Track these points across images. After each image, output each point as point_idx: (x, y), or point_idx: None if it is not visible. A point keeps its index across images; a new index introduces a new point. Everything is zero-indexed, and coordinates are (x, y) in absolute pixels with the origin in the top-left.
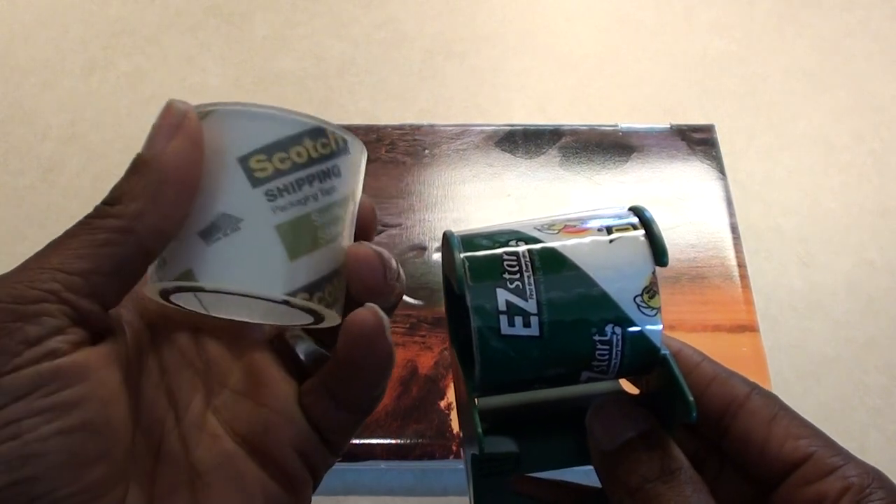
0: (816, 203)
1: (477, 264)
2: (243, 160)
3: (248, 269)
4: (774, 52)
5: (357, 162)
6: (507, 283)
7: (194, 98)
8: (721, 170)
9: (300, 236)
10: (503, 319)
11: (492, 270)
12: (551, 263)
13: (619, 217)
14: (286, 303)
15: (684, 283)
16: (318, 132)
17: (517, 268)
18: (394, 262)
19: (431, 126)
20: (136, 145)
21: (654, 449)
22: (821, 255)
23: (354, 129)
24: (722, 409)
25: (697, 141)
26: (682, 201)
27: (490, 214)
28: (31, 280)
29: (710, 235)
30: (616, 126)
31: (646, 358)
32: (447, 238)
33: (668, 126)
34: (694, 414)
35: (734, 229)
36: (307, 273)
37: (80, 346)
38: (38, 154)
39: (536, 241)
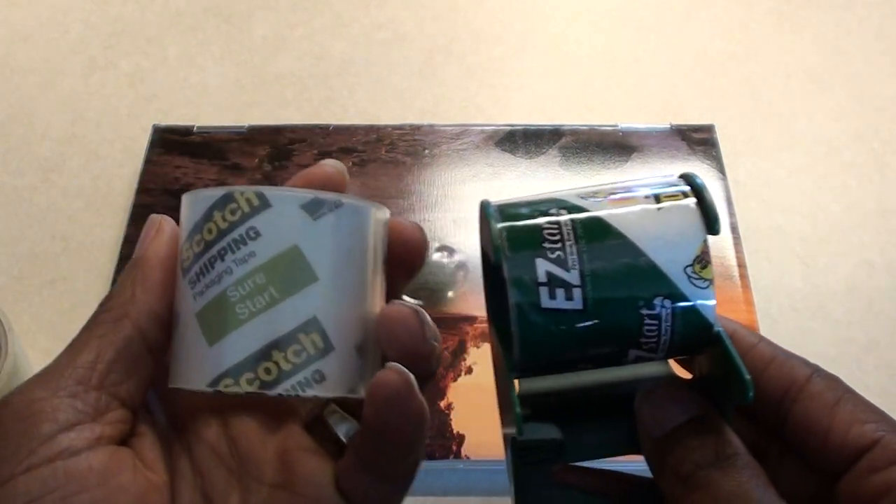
0: (816, 203)
1: (515, 233)
2: (180, 252)
3: (181, 363)
4: (774, 52)
5: (285, 213)
6: (548, 252)
7: (194, 98)
8: (721, 170)
9: (218, 318)
10: (543, 292)
11: (531, 240)
12: (595, 232)
13: (669, 185)
14: (217, 392)
15: None
16: (224, 200)
17: (558, 237)
18: (430, 320)
19: (431, 126)
20: (137, 145)
21: (707, 434)
22: (821, 255)
23: (354, 129)
24: (781, 393)
25: (697, 141)
26: None
27: None
28: (44, 382)
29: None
30: (616, 126)
31: (698, 334)
32: (483, 207)
33: (668, 126)
34: (751, 393)
35: (734, 229)
36: (230, 355)
37: (97, 444)
38: (38, 154)
39: (579, 209)
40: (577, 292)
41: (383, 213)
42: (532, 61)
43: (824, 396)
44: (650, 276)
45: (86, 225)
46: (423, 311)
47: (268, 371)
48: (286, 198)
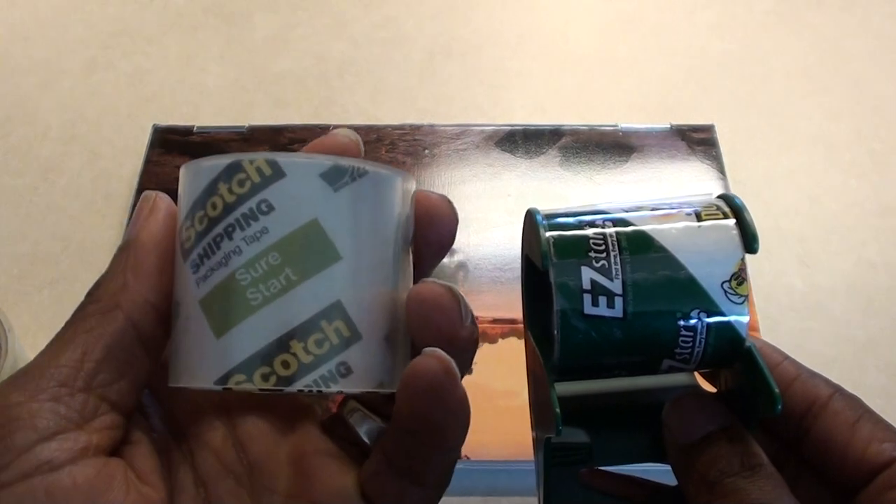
0: (816, 203)
1: (563, 241)
2: (179, 232)
3: (184, 359)
4: (774, 52)
5: (301, 183)
6: (593, 261)
7: (194, 98)
8: (721, 170)
9: (225, 305)
10: (587, 299)
11: (577, 248)
12: (638, 244)
13: (709, 204)
14: (226, 391)
15: None
16: (231, 170)
17: (603, 247)
18: (466, 299)
19: (431, 126)
20: (137, 145)
21: (734, 443)
22: (821, 255)
23: (354, 129)
24: (804, 410)
25: (697, 141)
26: None
27: (490, 214)
28: (21, 384)
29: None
30: (616, 126)
31: (730, 348)
32: (531, 214)
33: (668, 126)
34: (779, 406)
35: None
36: (241, 347)
37: (83, 456)
38: (38, 154)
39: (624, 221)
40: (618, 301)
41: (410, 184)
42: (532, 61)
43: (845, 414)
44: (689, 290)
45: (86, 225)
46: (456, 288)
47: (285, 364)
48: (303, 165)
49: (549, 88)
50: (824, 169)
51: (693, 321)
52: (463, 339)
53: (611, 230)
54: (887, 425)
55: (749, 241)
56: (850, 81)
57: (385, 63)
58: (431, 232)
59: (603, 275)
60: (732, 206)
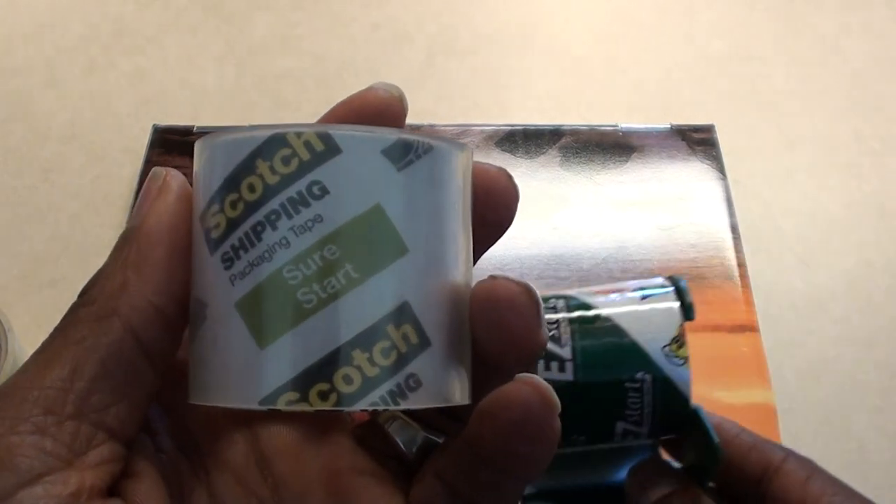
0: (816, 203)
1: None
2: (203, 218)
3: (216, 373)
4: (774, 52)
5: (361, 161)
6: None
7: (194, 98)
8: (721, 170)
9: (271, 308)
10: (540, 364)
11: None
12: (586, 315)
13: (652, 282)
14: (271, 411)
15: None
16: (273, 144)
17: (556, 319)
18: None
19: (432, 126)
20: (137, 145)
21: (687, 502)
22: (821, 255)
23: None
24: (760, 474)
25: (697, 141)
26: (682, 201)
27: None
28: (0, 410)
29: (710, 235)
30: (616, 126)
31: (677, 408)
32: None
33: (668, 126)
34: (721, 453)
35: (734, 229)
36: (293, 360)
37: (73, 501)
38: (38, 154)
39: (573, 297)
40: (568, 365)
41: (471, 158)
42: (532, 61)
43: (797, 474)
44: (633, 354)
45: (86, 225)
46: (535, 289)
47: (347, 379)
48: (362, 139)
49: (549, 88)
50: (824, 169)
51: (638, 382)
52: (539, 348)
53: (562, 303)
54: (836, 481)
55: (686, 309)
56: (849, 81)
57: (385, 63)
58: (489, 211)
59: (554, 342)
60: (671, 280)
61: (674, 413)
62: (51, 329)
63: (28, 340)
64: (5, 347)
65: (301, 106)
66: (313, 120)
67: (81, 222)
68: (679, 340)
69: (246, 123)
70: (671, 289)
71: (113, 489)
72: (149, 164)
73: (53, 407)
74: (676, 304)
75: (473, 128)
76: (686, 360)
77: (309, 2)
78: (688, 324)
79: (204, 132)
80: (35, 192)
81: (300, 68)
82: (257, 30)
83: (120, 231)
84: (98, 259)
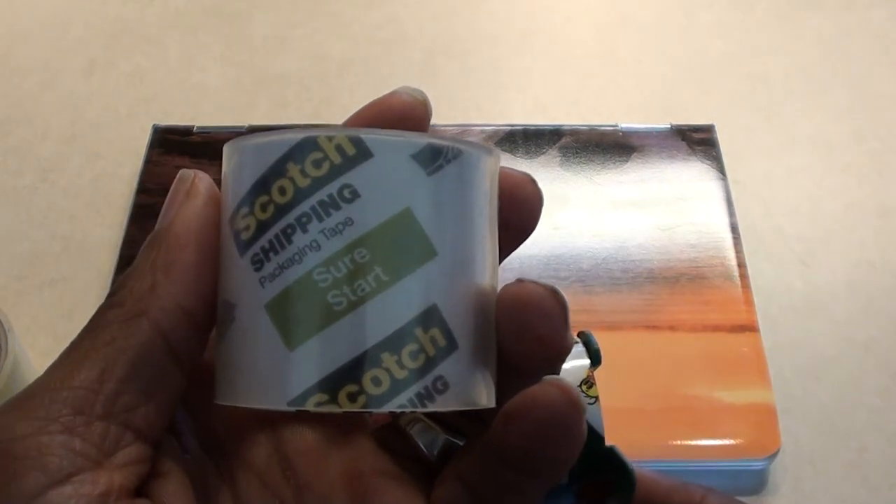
0: (816, 203)
1: None
2: (232, 220)
3: (245, 374)
4: (774, 52)
5: (392, 165)
6: None
7: (194, 98)
8: (721, 170)
9: (301, 311)
10: None
11: None
12: None
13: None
14: (300, 412)
15: (684, 284)
16: (304, 147)
17: None
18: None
19: (432, 126)
20: (137, 145)
21: None
22: (821, 255)
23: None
24: None
25: (697, 141)
26: (682, 201)
27: None
28: (28, 411)
29: (710, 235)
30: (616, 126)
31: (593, 447)
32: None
33: (668, 126)
34: (633, 477)
35: (734, 229)
36: (322, 362)
37: (103, 501)
38: (38, 154)
39: None
40: None
41: (498, 163)
42: (532, 61)
43: None
44: None
45: (86, 225)
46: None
47: (376, 381)
48: (394, 144)
49: (549, 88)
50: (824, 169)
51: None
52: (565, 351)
53: None
54: None
55: (593, 356)
56: (849, 81)
57: (385, 63)
58: (514, 215)
59: None
60: (579, 336)
61: (590, 452)
62: (50, 328)
63: (28, 340)
64: (5, 347)
65: (301, 106)
66: (313, 120)
67: (81, 222)
68: (588, 382)
69: (246, 123)
70: (577, 342)
71: (140, 490)
72: (149, 164)
73: (83, 407)
74: (585, 353)
75: (473, 128)
76: (597, 398)
77: (309, 2)
78: (687, 324)
79: (204, 132)
80: (35, 192)
81: (300, 68)
82: (257, 30)
83: (120, 231)
84: (98, 259)
